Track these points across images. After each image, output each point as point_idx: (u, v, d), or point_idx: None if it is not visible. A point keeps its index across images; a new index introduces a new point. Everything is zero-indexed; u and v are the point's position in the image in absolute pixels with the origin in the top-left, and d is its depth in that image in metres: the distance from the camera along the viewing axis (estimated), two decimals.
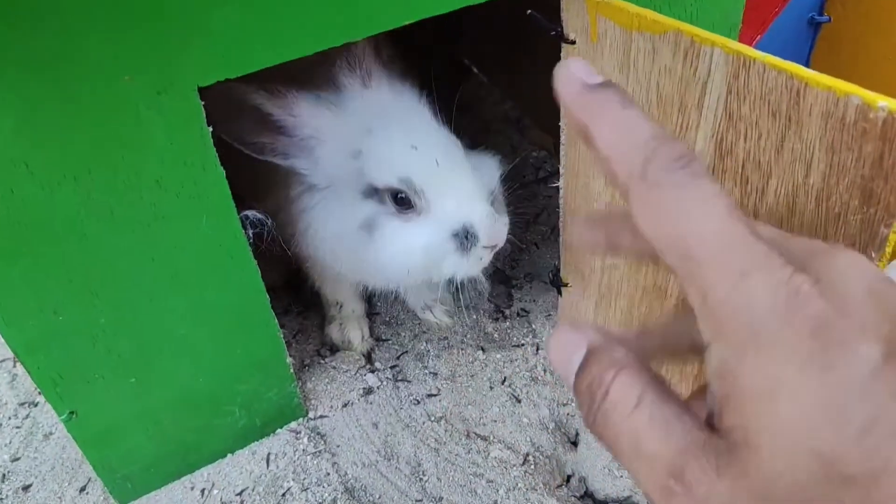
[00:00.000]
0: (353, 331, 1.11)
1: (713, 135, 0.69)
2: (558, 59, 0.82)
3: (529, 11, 0.80)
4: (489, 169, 0.92)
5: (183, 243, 0.76)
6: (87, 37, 0.61)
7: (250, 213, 0.78)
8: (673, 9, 0.84)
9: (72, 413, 0.81)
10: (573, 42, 0.78)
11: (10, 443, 1.04)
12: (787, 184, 0.65)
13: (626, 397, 0.37)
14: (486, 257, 0.89)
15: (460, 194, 0.85)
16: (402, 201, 0.85)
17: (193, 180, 0.72)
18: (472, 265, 0.88)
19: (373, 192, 0.86)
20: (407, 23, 0.73)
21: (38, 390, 1.09)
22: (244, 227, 0.78)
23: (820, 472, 0.31)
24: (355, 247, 0.88)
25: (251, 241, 0.80)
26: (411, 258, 0.87)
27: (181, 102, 0.67)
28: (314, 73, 0.85)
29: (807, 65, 0.61)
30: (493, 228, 0.86)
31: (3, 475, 0.99)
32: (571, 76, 0.40)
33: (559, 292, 1.07)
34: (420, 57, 0.94)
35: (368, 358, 1.11)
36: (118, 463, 0.90)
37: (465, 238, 0.85)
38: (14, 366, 1.17)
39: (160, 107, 0.67)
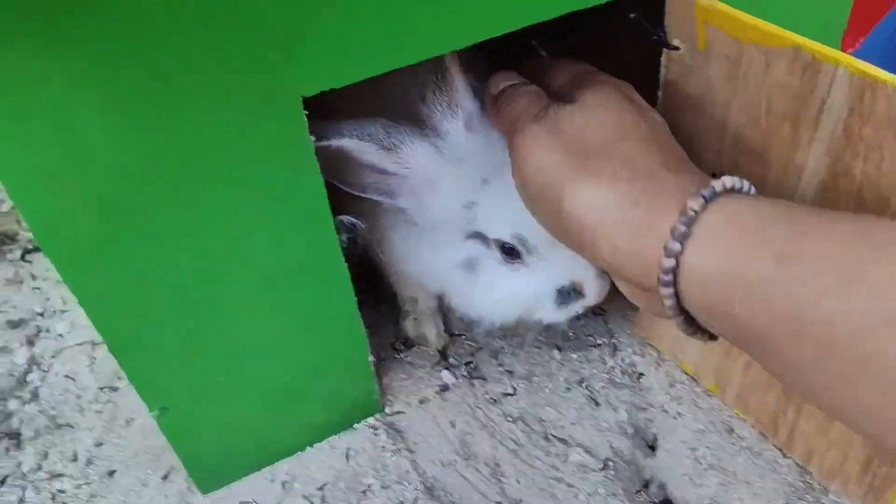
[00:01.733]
0: (428, 326, 1.11)
1: (826, 152, 0.67)
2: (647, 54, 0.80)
3: (633, 15, 0.78)
4: None
5: (278, 247, 0.76)
6: (193, 43, 0.60)
7: (345, 218, 0.78)
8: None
9: (163, 409, 0.83)
10: (677, 48, 0.76)
11: (93, 428, 1.06)
12: None
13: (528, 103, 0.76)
14: (581, 311, 0.89)
15: (573, 253, 0.84)
16: (509, 251, 0.84)
17: (293, 189, 0.72)
18: (563, 315, 0.89)
19: (477, 236, 0.85)
20: (524, 26, 0.71)
21: (118, 375, 1.12)
22: (338, 231, 0.78)
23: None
24: (454, 280, 0.89)
25: (345, 245, 0.79)
26: (514, 306, 0.88)
27: (284, 111, 0.67)
28: (395, 105, 0.82)
29: None
30: (603, 288, 0.86)
31: (88, 460, 1.02)
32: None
33: None
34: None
35: (443, 354, 1.11)
36: (203, 454, 0.92)
37: (568, 293, 0.86)
38: (93, 349, 1.19)
39: (263, 115, 0.66)
